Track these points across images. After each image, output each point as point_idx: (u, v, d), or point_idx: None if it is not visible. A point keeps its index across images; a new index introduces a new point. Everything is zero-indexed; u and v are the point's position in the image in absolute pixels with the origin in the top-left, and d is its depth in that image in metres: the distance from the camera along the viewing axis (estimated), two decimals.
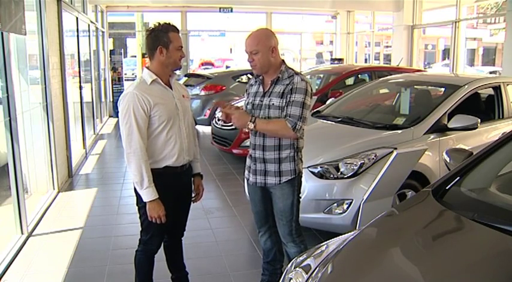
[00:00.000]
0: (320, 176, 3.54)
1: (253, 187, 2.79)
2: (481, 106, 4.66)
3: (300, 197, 2.76)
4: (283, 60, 2.63)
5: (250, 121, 2.55)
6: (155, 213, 2.49)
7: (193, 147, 2.71)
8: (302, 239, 2.78)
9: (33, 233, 4.05)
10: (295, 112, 2.50)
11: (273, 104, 2.56)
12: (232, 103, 7.17)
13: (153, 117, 2.45)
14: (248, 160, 2.78)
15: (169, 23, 2.48)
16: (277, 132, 2.56)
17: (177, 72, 2.68)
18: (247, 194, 2.91)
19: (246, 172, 2.81)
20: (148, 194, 2.45)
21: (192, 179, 2.77)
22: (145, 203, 2.58)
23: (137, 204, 2.64)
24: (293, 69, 2.64)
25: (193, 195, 2.79)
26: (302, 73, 2.63)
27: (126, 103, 2.41)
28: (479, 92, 4.50)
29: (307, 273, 1.88)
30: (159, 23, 2.47)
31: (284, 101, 2.54)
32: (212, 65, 21.93)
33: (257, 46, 2.53)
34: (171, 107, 2.51)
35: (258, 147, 2.65)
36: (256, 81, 2.73)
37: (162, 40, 2.44)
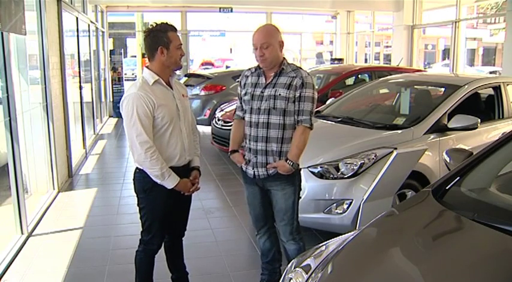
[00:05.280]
0: (320, 176, 3.54)
1: (253, 190, 2.79)
2: (481, 106, 4.66)
3: (300, 197, 2.76)
4: (284, 58, 2.66)
5: (287, 163, 2.59)
6: (187, 189, 2.59)
7: (193, 146, 2.71)
8: (301, 237, 2.81)
9: (33, 233, 4.05)
10: (307, 108, 2.59)
11: (279, 94, 2.57)
12: (232, 103, 7.06)
13: (157, 118, 2.45)
14: (247, 154, 2.75)
15: (166, 23, 2.49)
16: (306, 142, 2.63)
17: (177, 72, 2.68)
18: (246, 197, 2.91)
19: (244, 167, 2.77)
20: (172, 180, 2.49)
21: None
22: (146, 203, 2.59)
23: (138, 205, 2.64)
24: (295, 64, 2.68)
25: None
26: (307, 71, 2.67)
27: (130, 104, 2.40)
28: (479, 92, 4.50)
29: (307, 273, 1.88)
30: (157, 23, 2.47)
31: (291, 92, 2.56)
32: (212, 65, 21.93)
33: (269, 39, 2.55)
34: (173, 108, 2.52)
35: (260, 139, 2.64)
36: (253, 73, 2.71)
37: (162, 40, 2.44)
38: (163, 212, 2.61)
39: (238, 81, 2.86)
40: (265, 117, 2.61)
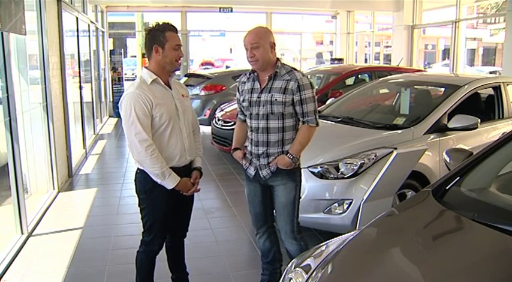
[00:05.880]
0: (320, 176, 3.54)
1: (254, 188, 2.80)
2: (481, 106, 4.66)
3: (300, 196, 2.77)
4: (277, 58, 2.65)
5: (288, 157, 2.61)
6: (186, 189, 2.57)
7: (194, 147, 2.71)
8: (302, 236, 2.80)
9: (33, 233, 4.05)
10: (311, 108, 2.61)
11: (275, 99, 2.57)
12: (232, 103, 7.05)
13: (155, 117, 2.44)
14: (249, 156, 2.76)
15: (167, 23, 2.48)
16: (310, 139, 2.67)
17: (177, 72, 2.67)
18: (246, 195, 2.91)
19: (251, 169, 2.76)
20: (172, 180, 2.48)
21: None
22: (147, 204, 2.59)
23: (139, 205, 2.64)
24: (289, 65, 2.67)
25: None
26: (301, 72, 2.67)
27: (128, 103, 2.40)
28: (479, 92, 4.49)
29: (307, 273, 1.88)
30: (158, 23, 2.47)
31: (287, 97, 2.56)
32: (212, 65, 21.93)
33: (259, 40, 2.55)
34: (171, 108, 2.51)
35: (261, 143, 2.66)
36: (249, 78, 2.72)
37: (158, 39, 2.44)
38: (164, 212, 2.60)
39: (238, 81, 2.86)
40: (264, 122, 2.63)
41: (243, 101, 2.72)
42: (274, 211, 2.85)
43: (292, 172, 2.68)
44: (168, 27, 2.46)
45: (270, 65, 2.61)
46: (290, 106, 2.59)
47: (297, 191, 2.72)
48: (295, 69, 2.65)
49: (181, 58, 2.53)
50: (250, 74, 2.71)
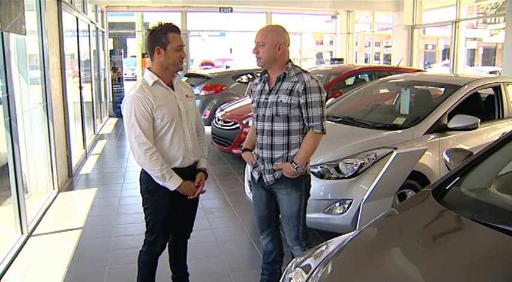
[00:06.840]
0: (320, 176, 3.54)
1: (260, 192, 2.78)
2: (481, 106, 4.66)
3: (309, 194, 2.73)
4: (290, 60, 2.61)
5: (293, 166, 2.54)
6: (190, 192, 2.57)
7: (199, 147, 2.69)
8: (308, 242, 2.75)
9: (33, 233, 4.05)
10: (316, 113, 2.52)
11: (281, 101, 2.53)
12: (232, 103, 7.08)
13: (156, 119, 2.44)
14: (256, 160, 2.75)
15: (170, 23, 2.47)
16: (316, 146, 2.59)
17: (179, 72, 2.67)
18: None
19: (255, 173, 2.74)
20: (174, 182, 2.48)
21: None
22: (150, 204, 2.59)
23: (143, 205, 2.64)
24: (300, 68, 2.62)
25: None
26: (311, 74, 2.60)
27: (129, 106, 2.40)
28: (479, 92, 4.50)
29: (307, 273, 1.88)
30: (160, 23, 2.46)
31: (293, 99, 2.51)
32: (212, 65, 21.93)
33: (265, 38, 2.53)
34: (174, 109, 2.50)
35: (265, 146, 2.62)
36: (260, 80, 2.70)
37: (160, 41, 2.43)
38: (167, 213, 2.60)
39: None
40: (269, 124, 2.59)
41: (252, 102, 2.71)
42: (280, 215, 2.83)
43: (298, 180, 2.61)
44: (171, 28, 2.45)
45: (278, 64, 2.56)
46: (296, 109, 2.53)
47: (301, 201, 2.65)
48: (305, 71, 2.58)
49: (183, 58, 2.52)
50: (261, 76, 2.69)
